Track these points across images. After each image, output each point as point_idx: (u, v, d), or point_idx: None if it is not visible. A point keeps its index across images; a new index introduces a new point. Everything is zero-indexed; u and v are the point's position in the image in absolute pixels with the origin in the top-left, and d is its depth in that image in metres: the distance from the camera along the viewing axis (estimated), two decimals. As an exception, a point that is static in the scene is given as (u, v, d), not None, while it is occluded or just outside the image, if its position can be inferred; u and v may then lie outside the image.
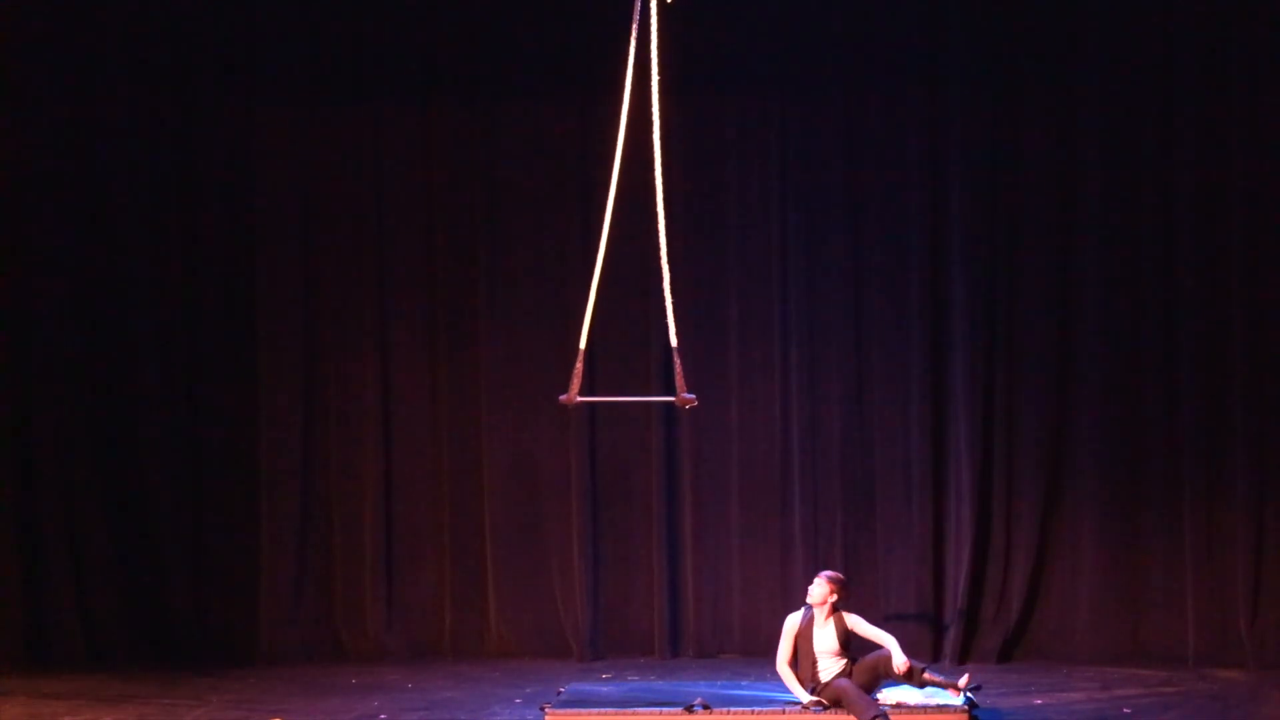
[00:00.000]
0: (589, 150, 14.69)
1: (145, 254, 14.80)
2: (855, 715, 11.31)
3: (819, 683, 11.54)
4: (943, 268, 14.54)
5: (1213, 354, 14.27)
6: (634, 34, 11.53)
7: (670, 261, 11.77)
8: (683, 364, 11.76)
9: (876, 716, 11.23)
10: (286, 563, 14.88)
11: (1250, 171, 14.19)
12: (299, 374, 14.96)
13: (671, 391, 12.05)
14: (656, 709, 11.73)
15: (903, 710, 11.48)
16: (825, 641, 11.52)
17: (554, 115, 14.84)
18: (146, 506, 14.77)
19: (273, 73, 14.90)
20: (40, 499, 14.65)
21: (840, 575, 11.73)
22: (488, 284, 14.88)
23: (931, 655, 14.31)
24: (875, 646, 11.58)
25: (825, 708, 11.50)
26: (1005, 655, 14.36)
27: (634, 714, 11.74)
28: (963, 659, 14.29)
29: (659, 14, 11.46)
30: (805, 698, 11.58)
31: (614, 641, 14.80)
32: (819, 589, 11.60)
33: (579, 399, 11.75)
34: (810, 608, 11.65)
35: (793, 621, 11.68)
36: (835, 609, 11.58)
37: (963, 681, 11.48)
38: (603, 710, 11.84)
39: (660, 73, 11.53)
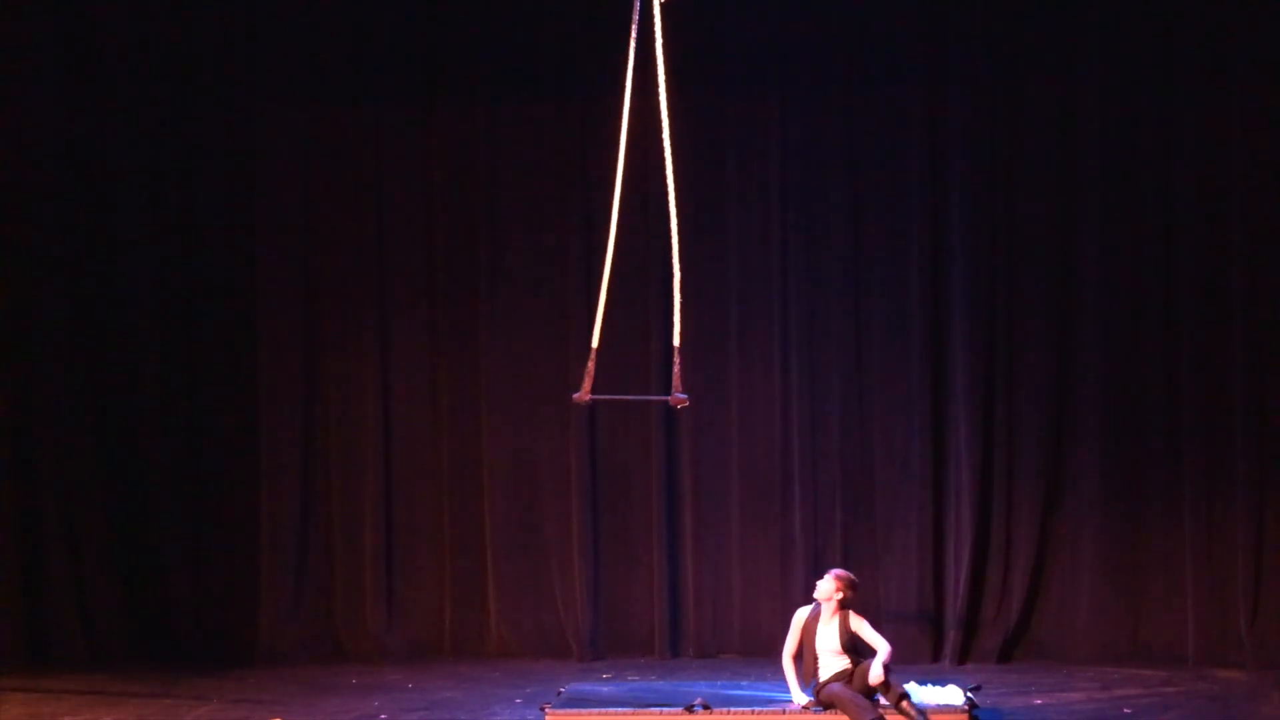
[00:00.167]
0: (589, 150, 14.70)
1: (145, 254, 14.80)
2: (850, 718, 11.30)
3: (819, 680, 11.53)
4: (943, 268, 14.53)
5: (1213, 354, 14.27)
6: (634, 34, 11.51)
7: (678, 262, 11.76)
8: (682, 364, 11.74)
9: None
10: (286, 562, 14.88)
11: (1250, 171, 14.19)
12: (299, 374, 14.96)
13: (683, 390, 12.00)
14: (656, 709, 11.74)
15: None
16: (828, 639, 11.51)
17: (554, 115, 14.84)
18: (146, 506, 14.77)
19: (273, 73, 14.90)
20: (40, 499, 14.65)
21: (849, 574, 11.68)
22: (488, 284, 14.88)
23: (932, 655, 14.32)
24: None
25: (822, 708, 11.49)
26: (1005, 655, 14.36)
27: (634, 714, 11.75)
28: (963, 659, 14.29)
29: (661, 14, 11.44)
30: (800, 699, 11.57)
31: (614, 641, 14.80)
32: (826, 585, 11.59)
33: (591, 397, 11.74)
34: (818, 603, 11.64)
35: (800, 615, 11.68)
36: (842, 607, 11.55)
37: None
38: (603, 710, 11.85)
39: (665, 73, 11.51)
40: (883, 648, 11.35)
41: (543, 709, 11.88)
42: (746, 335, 14.81)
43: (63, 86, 14.68)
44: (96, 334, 14.76)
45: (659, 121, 11.62)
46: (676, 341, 11.69)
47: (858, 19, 14.59)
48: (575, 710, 11.86)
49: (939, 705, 11.72)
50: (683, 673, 14.02)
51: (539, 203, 14.87)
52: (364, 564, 14.90)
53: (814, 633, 11.56)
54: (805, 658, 11.60)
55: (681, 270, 11.71)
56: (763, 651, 14.61)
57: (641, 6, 11.53)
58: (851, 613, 11.55)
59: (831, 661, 11.51)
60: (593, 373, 11.66)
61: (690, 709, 11.64)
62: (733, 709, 11.70)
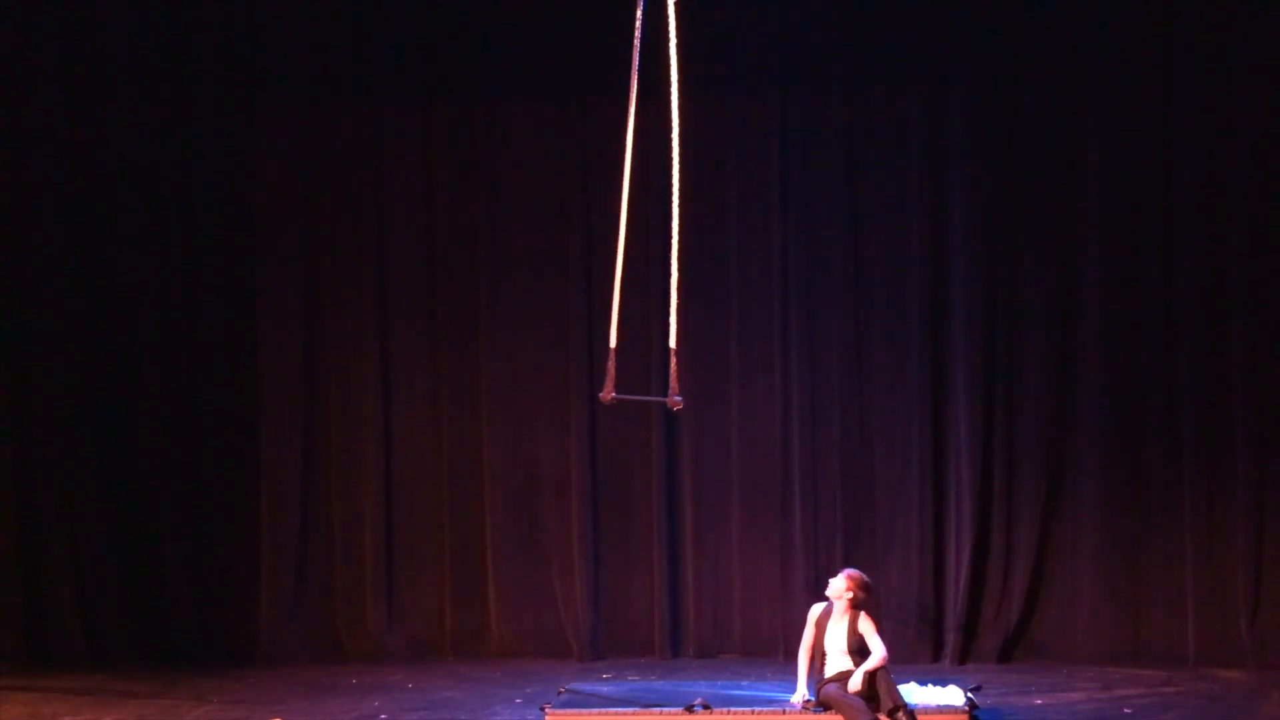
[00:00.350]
0: (589, 150, 14.72)
1: (145, 254, 14.80)
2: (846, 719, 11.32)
3: (823, 677, 11.53)
4: (943, 268, 14.54)
5: (1213, 354, 14.27)
6: (637, 33, 11.48)
7: (677, 262, 11.75)
8: (679, 366, 11.73)
9: None
10: (286, 562, 14.89)
11: (1250, 172, 14.19)
12: (299, 374, 14.96)
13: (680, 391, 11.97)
14: (656, 709, 11.74)
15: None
16: (836, 638, 11.50)
17: (554, 115, 14.84)
18: (146, 506, 14.77)
19: (273, 73, 14.90)
20: (40, 499, 14.64)
21: (862, 575, 11.63)
22: (488, 284, 14.88)
23: (932, 655, 14.33)
24: None
25: (822, 708, 11.49)
26: (1005, 655, 14.36)
27: (634, 714, 11.75)
28: (963, 659, 14.30)
29: (675, 14, 11.41)
30: (798, 696, 11.56)
31: (614, 641, 14.80)
32: (838, 584, 11.56)
33: (615, 395, 11.72)
34: (831, 601, 11.63)
35: (815, 611, 11.66)
36: (853, 607, 11.54)
37: None
38: (603, 710, 11.85)
39: (667, 73, 11.49)
40: (876, 654, 11.32)
41: (543, 709, 11.88)
42: (746, 335, 14.81)
43: (63, 87, 14.68)
44: (96, 334, 14.76)
45: (667, 122, 11.56)
46: (673, 344, 11.67)
47: (858, 19, 14.59)
48: (575, 710, 11.86)
49: (939, 706, 11.72)
50: (683, 673, 14.02)
51: (539, 203, 14.87)
52: (364, 564, 14.91)
53: (825, 629, 11.55)
54: (814, 653, 11.59)
55: (680, 272, 11.69)
56: (763, 651, 14.64)
57: (649, 7, 11.50)
58: (863, 614, 11.53)
59: (838, 660, 11.49)
60: (613, 372, 11.63)
61: (690, 709, 11.64)
62: (733, 709, 11.69)
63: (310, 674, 14.14)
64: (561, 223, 14.84)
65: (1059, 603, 14.47)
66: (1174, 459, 14.31)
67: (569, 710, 11.84)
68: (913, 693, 11.71)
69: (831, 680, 11.45)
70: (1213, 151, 14.26)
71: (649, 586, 14.80)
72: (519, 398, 14.88)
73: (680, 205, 11.54)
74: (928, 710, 11.57)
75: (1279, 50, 14.16)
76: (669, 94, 11.48)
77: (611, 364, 11.65)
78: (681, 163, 11.47)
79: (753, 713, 11.65)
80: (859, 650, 11.42)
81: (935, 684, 12.13)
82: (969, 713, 11.68)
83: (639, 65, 14.40)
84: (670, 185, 11.53)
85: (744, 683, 12.96)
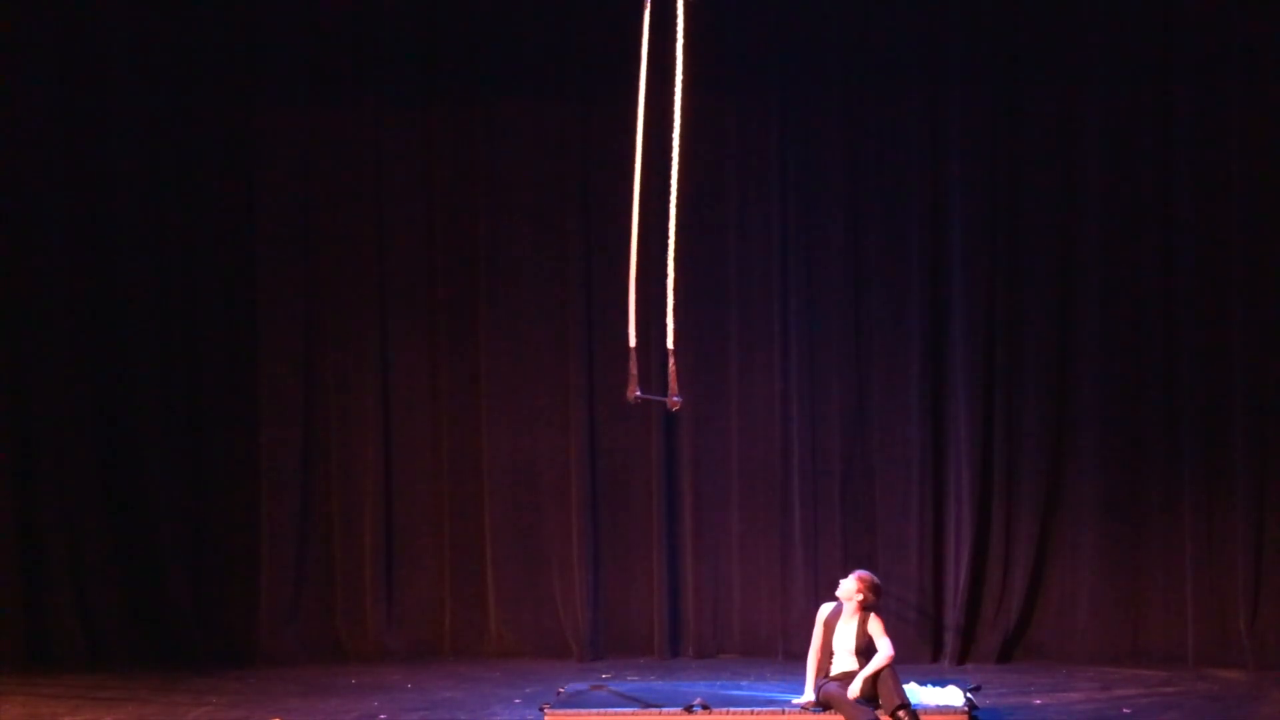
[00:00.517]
0: (589, 150, 14.72)
1: (145, 254, 14.80)
2: (846, 719, 11.31)
3: (827, 676, 11.53)
4: (943, 268, 14.54)
5: (1213, 354, 14.27)
6: (646, 31, 11.46)
7: (674, 263, 11.75)
8: (677, 366, 11.71)
9: None
10: (286, 563, 14.88)
11: (1250, 171, 14.19)
12: (299, 374, 14.95)
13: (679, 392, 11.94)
14: (656, 709, 11.74)
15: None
16: (844, 638, 11.50)
17: (554, 115, 14.84)
18: (146, 506, 14.77)
19: (273, 73, 14.90)
20: (40, 499, 14.64)
21: (873, 577, 11.63)
22: (488, 284, 14.88)
23: (931, 655, 14.33)
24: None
25: (822, 709, 11.49)
26: (1005, 655, 14.36)
27: (634, 714, 11.75)
28: (963, 659, 14.30)
29: (681, 14, 11.40)
30: (804, 697, 11.57)
31: (614, 641, 14.80)
32: (849, 585, 11.56)
33: (639, 395, 11.70)
34: (840, 601, 11.63)
35: (824, 611, 11.67)
36: (863, 609, 11.53)
37: None
38: (603, 710, 11.85)
39: (670, 73, 11.48)
40: (883, 653, 11.33)
41: (542, 709, 11.88)
42: (746, 335, 14.81)
43: (63, 87, 14.67)
44: (96, 334, 14.76)
45: (668, 122, 11.55)
46: (670, 344, 11.66)
47: (858, 19, 14.59)
48: (575, 710, 11.86)
49: (939, 706, 11.72)
50: (682, 673, 14.02)
51: (539, 203, 14.87)
52: (364, 564, 14.91)
53: (833, 629, 11.56)
54: (822, 652, 11.59)
55: (676, 272, 11.68)
56: (763, 651, 14.65)
57: (655, 6, 11.50)
58: (872, 615, 11.52)
59: (844, 660, 11.49)
60: (636, 372, 11.62)
61: (690, 709, 11.65)
62: (732, 709, 11.69)
63: (309, 674, 14.14)
64: (561, 222, 14.84)
65: (1059, 603, 14.47)
66: (1174, 459, 14.31)
67: (569, 710, 11.84)
68: (912, 693, 11.70)
69: (834, 679, 11.45)
70: (1213, 151, 14.26)
71: (648, 586, 14.80)
72: (519, 397, 14.88)
73: (679, 205, 11.53)
74: (927, 710, 11.57)
75: (1279, 50, 14.15)
76: (671, 94, 11.45)
77: (633, 364, 11.63)
78: (681, 163, 11.49)
79: (752, 713, 11.65)
80: (866, 651, 11.41)
81: (935, 684, 12.14)
82: (968, 713, 11.69)
83: (645, 63, 14.48)
84: (669, 185, 11.51)
85: (744, 683, 12.97)
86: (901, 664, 11.50)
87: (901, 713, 11.21)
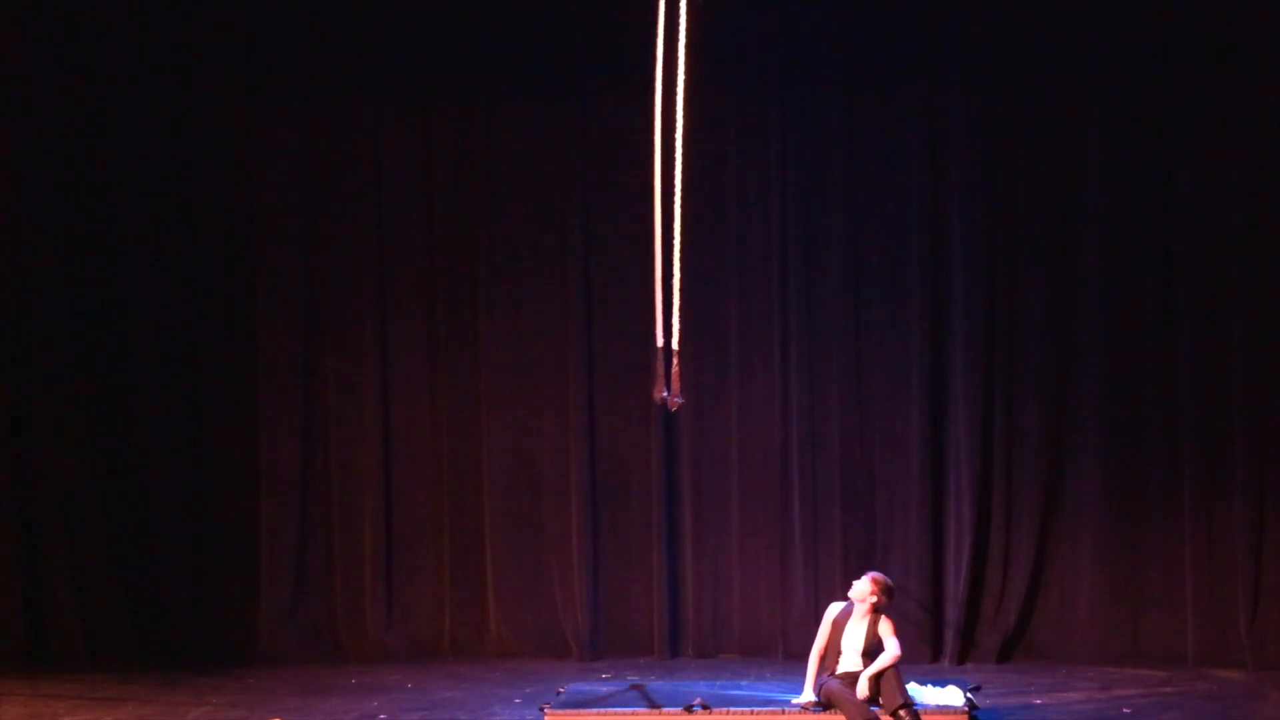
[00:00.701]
0: (589, 150, 14.72)
1: (145, 254, 14.80)
2: (845, 717, 11.30)
3: (832, 674, 11.52)
4: (943, 268, 14.54)
5: (1213, 354, 14.27)
6: (661, 29, 11.45)
7: (679, 262, 11.73)
8: (680, 366, 11.70)
9: None
10: (286, 562, 14.88)
11: (1250, 171, 14.19)
12: (299, 374, 14.95)
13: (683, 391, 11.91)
14: (656, 709, 11.74)
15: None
16: (853, 638, 11.50)
17: (553, 115, 14.84)
18: (146, 506, 14.77)
19: (273, 73, 14.89)
20: (40, 499, 14.64)
21: (887, 579, 11.64)
22: (488, 284, 14.88)
23: (931, 655, 14.32)
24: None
25: (822, 708, 11.49)
26: (1005, 655, 14.36)
27: (634, 714, 11.75)
28: (962, 659, 14.30)
29: (684, 12, 11.40)
30: (804, 697, 11.57)
31: (614, 641, 14.80)
32: (862, 586, 11.56)
33: (665, 396, 11.67)
34: (852, 602, 11.62)
35: (833, 610, 11.67)
36: (874, 610, 11.54)
37: None
38: (603, 710, 11.85)
39: (671, 73, 11.47)
40: (889, 653, 11.33)
41: (542, 709, 11.88)
42: (746, 335, 14.81)
43: (63, 86, 14.67)
44: (96, 334, 14.76)
45: (668, 122, 11.54)
46: (674, 344, 11.65)
47: (858, 19, 14.59)
48: (575, 710, 11.86)
49: (939, 706, 11.72)
50: (683, 673, 14.02)
51: (539, 203, 14.87)
52: (364, 564, 14.90)
53: (842, 629, 11.55)
54: (829, 651, 11.58)
55: (681, 272, 11.67)
56: (763, 651, 14.64)
57: (668, 6, 11.50)
58: (883, 617, 11.52)
59: (851, 660, 11.48)
60: (662, 371, 11.58)
61: (690, 709, 11.65)
62: (733, 709, 11.69)
63: (310, 674, 14.14)
64: (561, 222, 14.84)
65: (1058, 603, 14.47)
66: (1174, 459, 14.31)
67: (569, 710, 11.85)
68: (913, 692, 11.68)
69: (836, 678, 11.44)
70: (1213, 151, 14.26)
71: (648, 586, 14.80)
72: (519, 398, 14.88)
73: (682, 205, 11.53)
74: (927, 710, 11.57)
75: (1279, 50, 14.15)
76: (673, 93, 11.44)
77: (659, 364, 11.60)
78: (682, 162, 11.48)
79: (752, 713, 11.65)
80: (874, 652, 11.41)
81: (935, 684, 12.13)
82: (968, 713, 11.69)
83: (642, 65, 14.46)
84: (673, 184, 11.49)
85: (744, 683, 12.97)
86: (902, 664, 11.49)
87: (903, 712, 11.21)
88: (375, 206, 14.95)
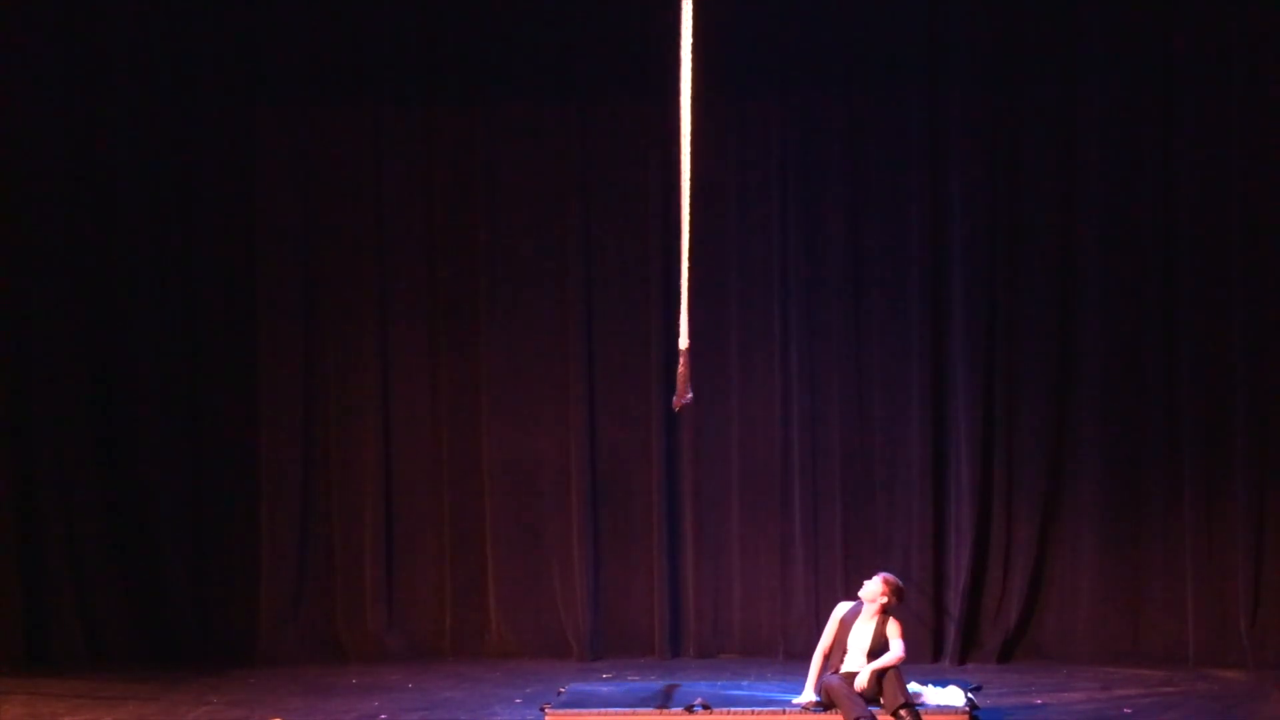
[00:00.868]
0: (589, 150, 14.72)
1: (145, 254, 14.80)
2: (843, 714, 11.31)
3: (834, 672, 11.52)
4: (943, 268, 14.53)
5: (1213, 354, 14.27)
6: (685, 29, 11.41)
7: (676, 263, 11.72)
8: (688, 366, 11.66)
9: (860, 718, 11.22)
10: (286, 563, 14.88)
11: (1250, 172, 14.19)
12: (299, 374, 14.95)
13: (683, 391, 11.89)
14: (656, 709, 11.73)
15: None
16: (860, 638, 11.49)
17: (554, 116, 14.84)
18: (146, 506, 14.76)
19: (273, 73, 14.89)
20: (40, 499, 14.64)
21: (898, 580, 11.63)
22: (487, 284, 14.88)
23: (932, 655, 14.32)
24: None
25: (823, 708, 11.48)
26: (1005, 655, 14.36)
27: (634, 714, 11.75)
28: (963, 659, 14.30)
29: (688, 12, 11.37)
30: (805, 697, 11.57)
31: (614, 641, 14.80)
32: (873, 586, 11.56)
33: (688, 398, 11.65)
34: (860, 602, 11.61)
35: (840, 610, 11.67)
36: (884, 611, 11.53)
37: None
38: (603, 710, 11.85)
39: (675, 73, 11.45)
40: (893, 653, 11.32)
41: (543, 709, 11.88)
42: (746, 335, 14.80)
43: (63, 86, 14.67)
44: (96, 334, 14.75)
45: (669, 122, 11.53)
46: (683, 343, 11.59)
47: (858, 19, 14.58)
48: (575, 710, 11.86)
49: (939, 706, 11.72)
50: (683, 673, 14.01)
51: (539, 203, 14.87)
52: (364, 564, 14.90)
53: (850, 628, 11.56)
54: (835, 649, 11.58)
55: (675, 271, 11.66)
56: (763, 651, 14.64)
57: (668, 8, 11.49)
58: (891, 618, 11.52)
59: (856, 659, 11.48)
60: (688, 376, 11.55)
61: (690, 709, 11.65)
62: (733, 709, 11.69)
63: (310, 674, 14.14)
64: (561, 223, 14.83)
65: (1059, 603, 14.47)
66: (1174, 459, 14.31)
67: (569, 710, 11.85)
68: (916, 694, 11.71)
69: (838, 675, 11.43)
70: (1213, 151, 14.26)
71: (649, 586, 14.80)
72: (519, 397, 14.87)
73: (680, 205, 11.53)
74: (928, 710, 11.57)
75: (1279, 50, 14.15)
76: (678, 94, 11.42)
77: (682, 367, 11.54)
78: (680, 164, 11.47)
79: (752, 713, 11.65)
80: (879, 653, 11.42)
81: (935, 684, 12.13)
82: (969, 713, 11.69)
83: (643, 66, 14.47)
84: (680, 184, 11.45)
85: (744, 683, 12.97)
86: (903, 664, 11.49)
87: (903, 712, 11.21)
88: (375, 206, 14.94)
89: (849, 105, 14.67)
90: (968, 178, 14.48)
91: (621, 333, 14.77)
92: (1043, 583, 14.48)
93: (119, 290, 14.77)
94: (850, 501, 14.62)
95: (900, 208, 14.60)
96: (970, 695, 11.97)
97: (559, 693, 12.52)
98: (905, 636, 11.54)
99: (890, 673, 11.29)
